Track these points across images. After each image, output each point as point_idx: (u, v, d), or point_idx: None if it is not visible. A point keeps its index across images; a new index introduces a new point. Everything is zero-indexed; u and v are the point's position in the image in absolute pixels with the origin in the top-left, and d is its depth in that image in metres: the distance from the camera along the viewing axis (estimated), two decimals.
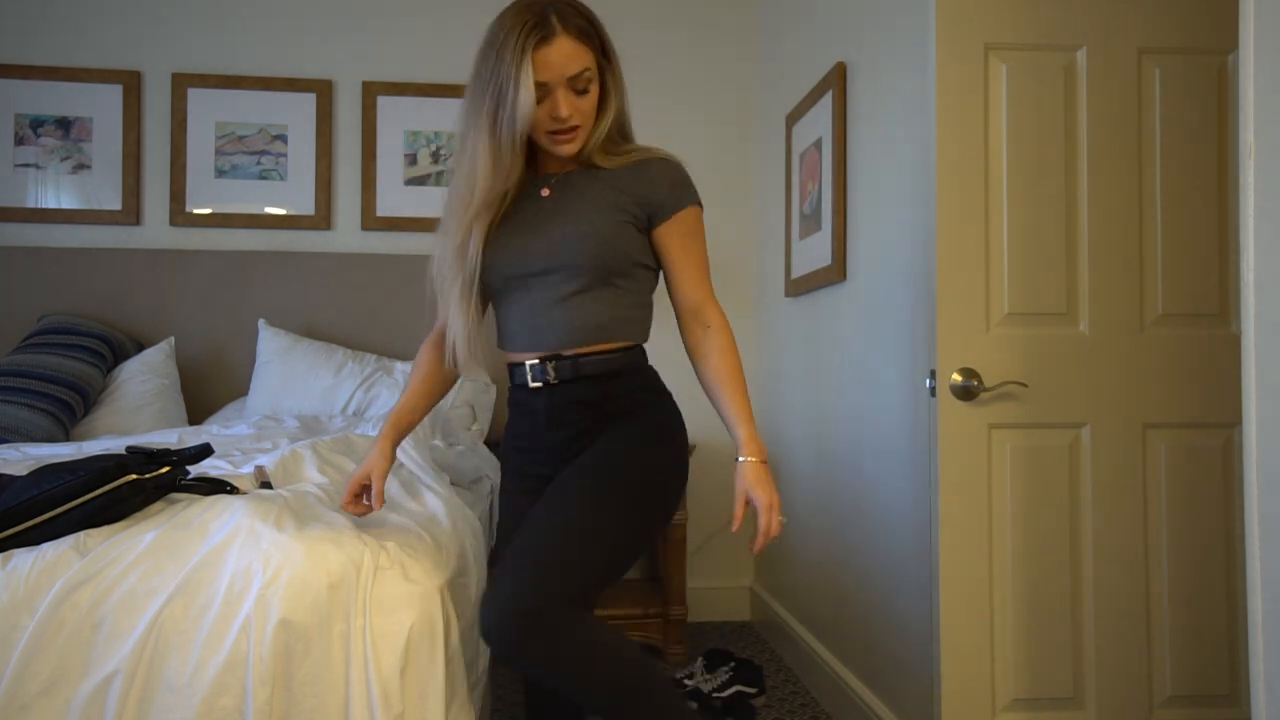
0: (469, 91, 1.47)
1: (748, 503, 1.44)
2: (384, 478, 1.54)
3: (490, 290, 1.55)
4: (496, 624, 1.29)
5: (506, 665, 2.89)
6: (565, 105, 1.43)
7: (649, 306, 1.58)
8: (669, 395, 1.59)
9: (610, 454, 1.46)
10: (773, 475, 1.48)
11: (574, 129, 1.46)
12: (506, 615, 1.28)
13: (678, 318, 1.56)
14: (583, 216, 1.48)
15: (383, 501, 1.54)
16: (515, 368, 1.54)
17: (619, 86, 1.52)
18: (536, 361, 1.49)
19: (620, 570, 1.42)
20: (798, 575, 3.03)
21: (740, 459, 1.45)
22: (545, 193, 1.53)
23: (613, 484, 1.43)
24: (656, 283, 1.59)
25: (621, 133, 1.55)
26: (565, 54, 1.41)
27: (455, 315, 1.49)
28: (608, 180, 1.51)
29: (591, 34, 1.45)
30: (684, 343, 1.55)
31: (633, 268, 1.50)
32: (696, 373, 1.54)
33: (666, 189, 1.50)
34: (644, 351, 1.57)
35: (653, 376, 1.58)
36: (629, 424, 1.49)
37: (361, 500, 1.53)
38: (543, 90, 1.41)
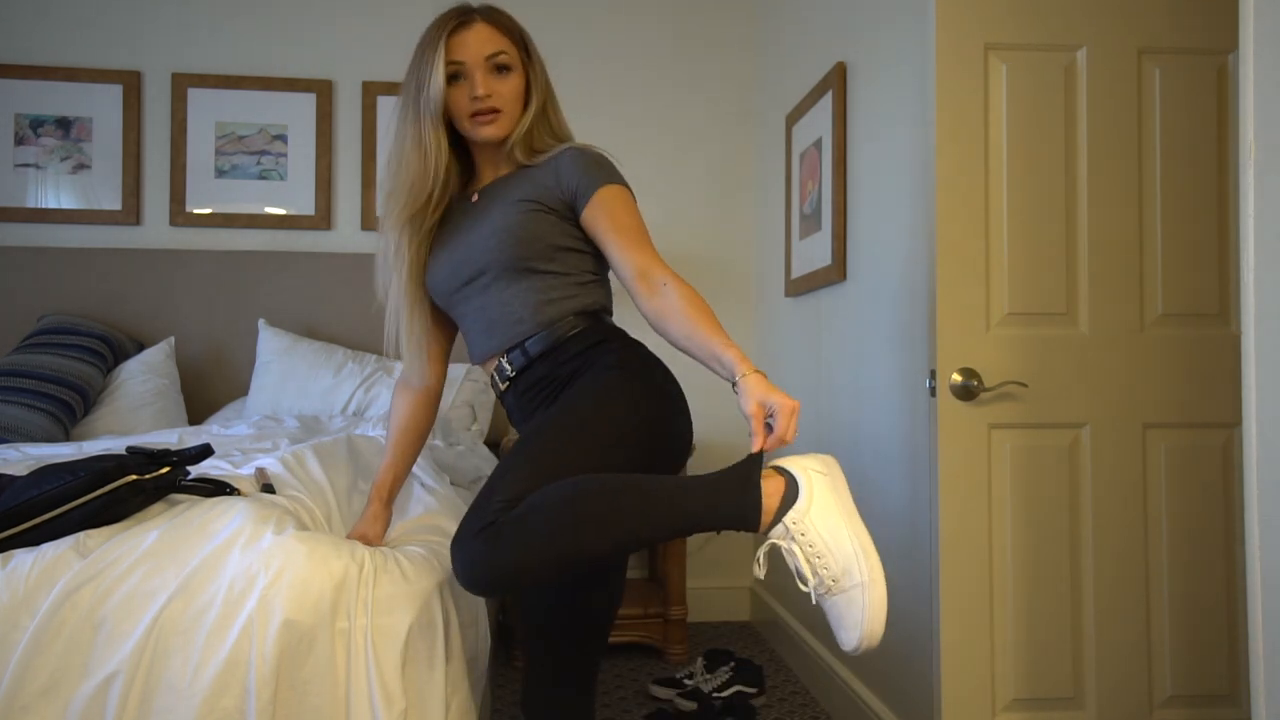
0: (400, 94, 1.52)
1: (768, 415, 1.26)
2: (380, 540, 1.55)
3: (441, 309, 1.60)
4: (465, 562, 1.25)
5: (506, 665, 2.89)
6: (482, 84, 1.46)
7: (593, 284, 1.53)
8: (638, 343, 1.51)
9: (584, 396, 1.40)
10: None
11: (494, 111, 1.48)
12: (464, 544, 1.25)
13: (631, 293, 1.43)
14: (492, 216, 1.49)
15: None
16: (491, 380, 1.56)
17: (541, 85, 1.55)
18: (498, 363, 1.52)
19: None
20: None
21: (740, 376, 1.26)
22: (474, 199, 1.56)
23: (555, 423, 1.36)
24: (598, 265, 1.55)
25: (555, 137, 1.57)
26: (481, 36, 1.48)
27: (397, 312, 1.55)
28: (526, 178, 1.52)
29: (514, 30, 1.52)
30: (644, 313, 1.41)
31: (555, 252, 1.49)
32: (663, 332, 1.38)
33: (579, 174, 1.48)
34: (597, 316, 1.52)
35: (610, 330, 1.51)
36: (599, 368, 1.44)
37: None
38: (458, 68, 1.47)
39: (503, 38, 1.50)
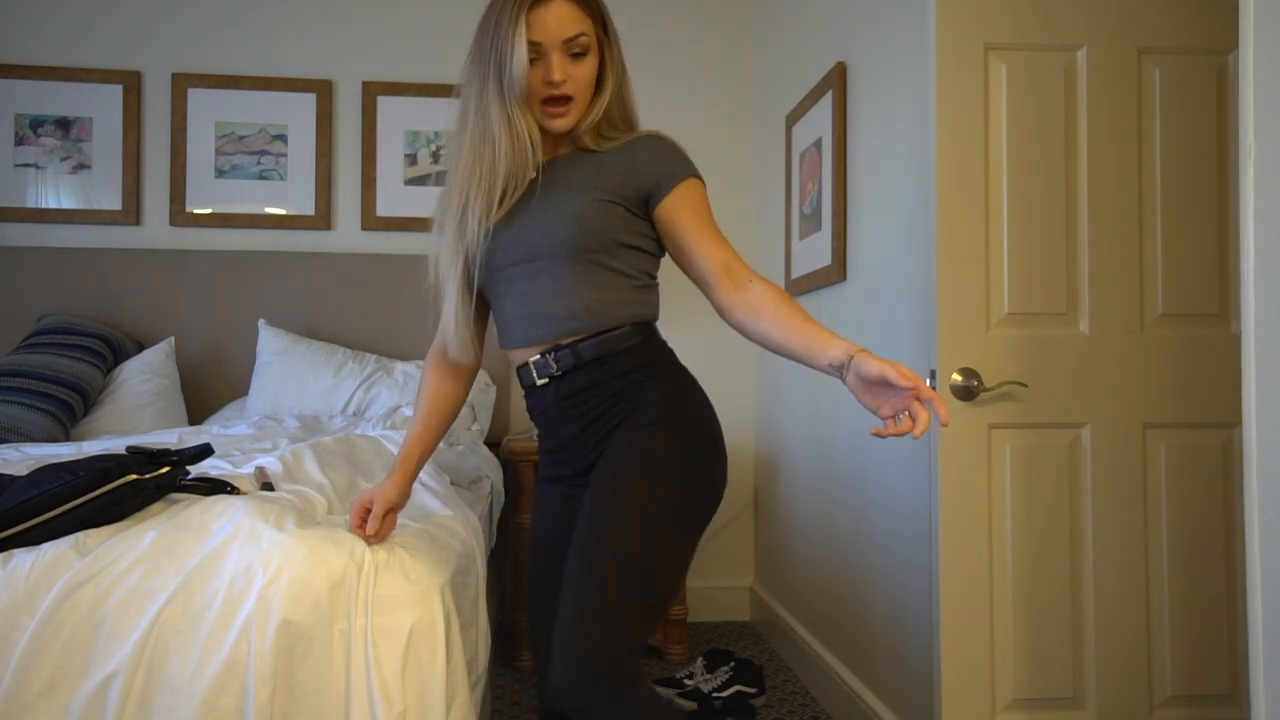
0: (468, 72, 1.41)
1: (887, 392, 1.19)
2: (390, 507, 1.49)
3: (479, 285, 1.48)
4: (566, 685, 1.22)
5: (506, 665, 2.89)
6: (559, 69, 1.36)
7: (649, 288, 1.48)
8: (675, 362, 1.47)
9: (634, 461, 1.35)
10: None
11: (567, 100, 1.39)
12: (581, 675, 1.22)
13: (707, 289, 1.40)
14: (562, 200, 1.40)
15: (388, 529, 1.49)
16: (521, 370, 1.46)
17: (618, 66, 1.44)
18: (538, 356, 1.43)
19: (676, 591, 1.34)
20: (798, 575, 3.03)
21: (856, 352, 1.21)
22: (532, 174, 1.44)
23: (651, 503, 1.32)
24: (655, 267, 1.50)
25: (624, 118, 1.48)
26: (561, 16, 1.35)
27: (448, 297, 1.45)
28: (592, 162, 1.43)
29: (594, 7, 1.40)
30: (722, 306, 1.38)
31: (618, 248, 1.41)
32: (750, 328, 1.35)
33: (657, 166, 1.41)
34: (650, 328, 1.47)
35: (658, 345, 1.47)
36: (645, 416, 1.38)
37: (367, 526, 1.46)
38: (536, 51, 1.35)
39: (584, 17, 1.38)
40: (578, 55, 1.38)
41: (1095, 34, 1.89)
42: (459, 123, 1.44)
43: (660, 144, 1.44)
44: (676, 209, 1.41)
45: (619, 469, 1.35)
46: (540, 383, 1.43)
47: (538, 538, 1.50)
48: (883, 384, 1.18)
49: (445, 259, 1.45)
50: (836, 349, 1.23)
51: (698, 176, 1.45)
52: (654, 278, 1.49)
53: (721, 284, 1.37)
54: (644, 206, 1.43)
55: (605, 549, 1.28)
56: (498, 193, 1.39)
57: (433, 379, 1.57)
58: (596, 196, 1.40)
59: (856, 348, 1.22)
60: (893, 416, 1.19)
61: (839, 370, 1.23)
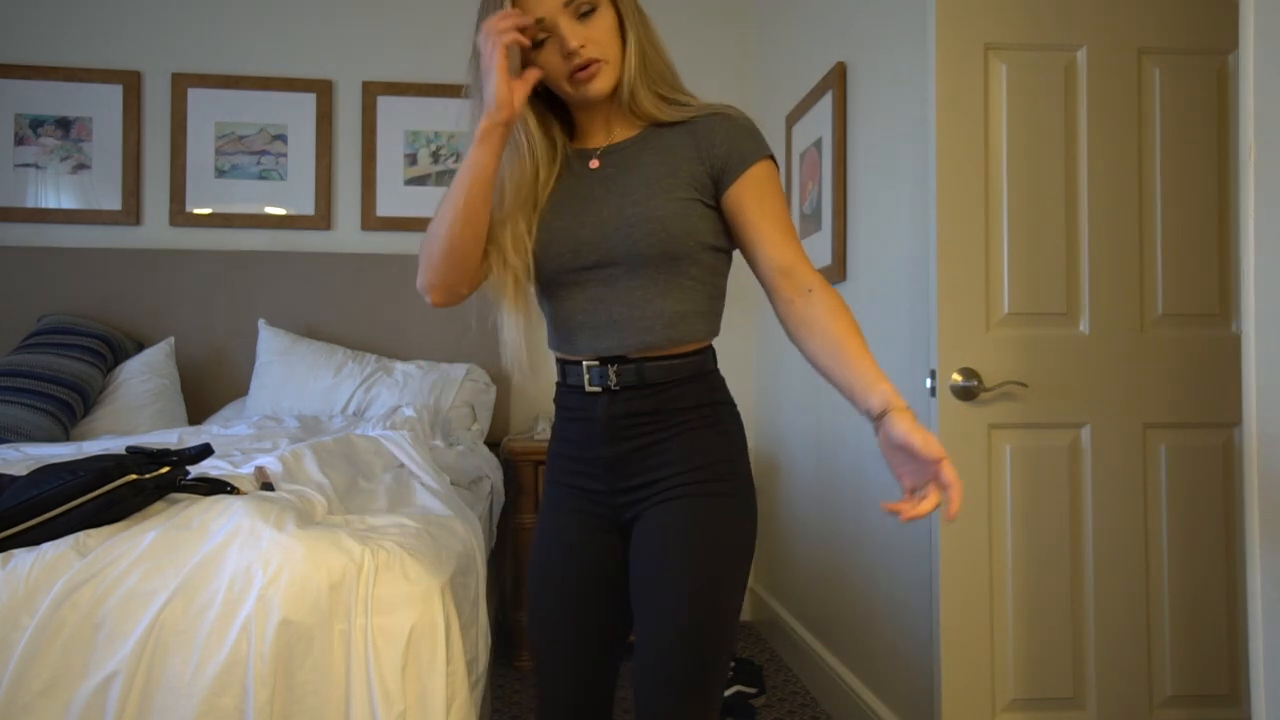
0: (470, 67, 1.29)
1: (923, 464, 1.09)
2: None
3: (537, 282, 1.34)
4: None
5: (506, 665, 2.89)
6: (571, 35, 1.22)
7: (722, 296, 1.36)
8: (733, 404, 1.38)
9: (712, 534, 1.27)
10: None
11: (593, 62, 1.24)
12: None
13: (766, 286, 1.29)
14: (640, 197, 1.26)
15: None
16: (569, 366, 1.33)
17: (635, 15, 1.29)
18: (596, 363, 1.29)
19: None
20: (798, 575, 3.03)
21: (893, 409, 1.11)
22: (594, 165, 1.31)
23: (733, 588, 1.28)
24: (728, 266, 1.37)
25: (667, 79, 1.32)
26: None
27: (508, 320, 1.31)
28: (662, 147, 1.29)
29: None
30: (778, 314, 1.28)
31: (702, 252, 1.28)
32: (800, 344, 1.26)
33: (730, 144, 1.27)
34: (714, 353, 1.37)
35: (719, 383, 1.37)
36: (715, 472, 1.29)
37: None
38: (544, 29, 1.22)
39: None
40: (586, 14, 1.24)
41: (1095, 34, 1.89)
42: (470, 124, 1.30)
43: (730, 118, 1.29)
44: (743, 196, 1.27)
45: (702, 540, 1.26)
46: (590, 390, 1.30)
47: (550, 552, 1.37)
48: (906, 450, 1.09)
49: (495, 284, 1.31)
50: (876, 397, 1.14)
51: (770, 157, 1.30)
52: (723, 291, 1.37)
53: (779, 288, 1.26)
54: (714, 194, 1.29)
55: (695, 636, 1.23)
56: (523, 197, 1.28)
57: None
58: (681, 194, 1.26)
59: (896, 401, 1.12)
60: (911, 490, 1.11)
61: (873, 421, 1.14)
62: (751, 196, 1.27)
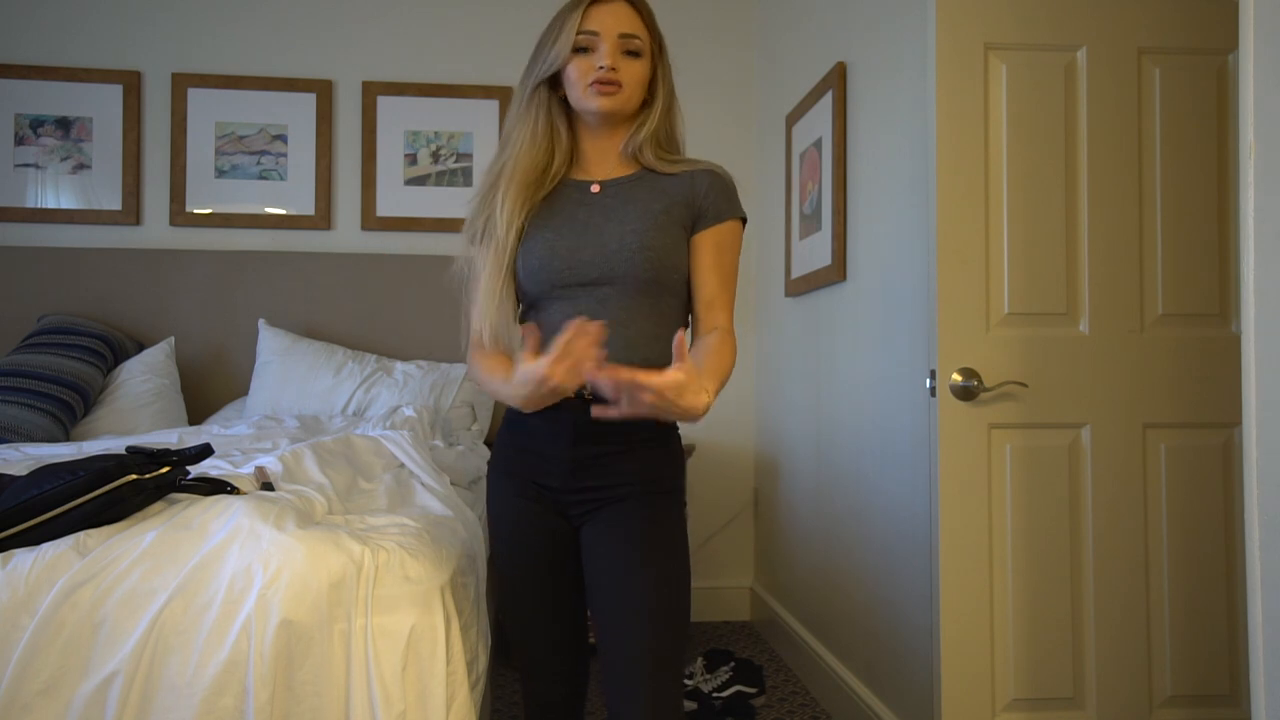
0: (524, 70, 1.47)
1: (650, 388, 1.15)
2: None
3: (525, 294, 1.45)
4: None
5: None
6: (610, 55, 1.39)
7: (687, 328, 1.51)
8: (678, 428, 1.51)
9: (665, 530, 1.42)
10: (694, 416, 1.21)
11: (616, 83, 1.40)
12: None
13: (692, 313, 1.49)
14: (639, 227, 1.40)
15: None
16: None
17: (668, 87, 1.48)
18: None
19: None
20: (798, 575, 3.03)
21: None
22: (595, 189, 1.46)
23: (682, 572, 1.43)
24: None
25: (674, 142, 1.50)
26: (620, 14, 1.40)
27: (486, 299, 1.41)
28: (658, 188, 1.45)
29: (652, 22, 1.46)
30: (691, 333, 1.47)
31: (682, 285, 1.46)
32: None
33: (713, 197, 1.45)
34: None
35: None
36: (664, 485, 1.43)
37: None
38: (590, 39, 1.39)
39: (641, 23, 1.43)
40: (631, 54, 1.41)
41: (1095, 34, 1.89)
42: (509, 119, 1.48)
43: (721, 180, 1.47)
44: (704, 244, 1.45)
45: (655, 535, 1.41)
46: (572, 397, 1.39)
47: (515, 555, 1.47)
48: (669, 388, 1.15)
49: (491, 266, 1.41)
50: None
51: (741, 219, 1.49)
52: (688, 317, 1.52)
53: (700, 320, 1.46)
54: (690, 234, 1.47)
55: (662, 619, 1.38)
56: (531, 177, 1.42)
57: (493, 359, 1.44)
58: (671, 230, 1.42)
59: (707, 399, 1.21)
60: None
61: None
62: (712, 245, 1.45)
